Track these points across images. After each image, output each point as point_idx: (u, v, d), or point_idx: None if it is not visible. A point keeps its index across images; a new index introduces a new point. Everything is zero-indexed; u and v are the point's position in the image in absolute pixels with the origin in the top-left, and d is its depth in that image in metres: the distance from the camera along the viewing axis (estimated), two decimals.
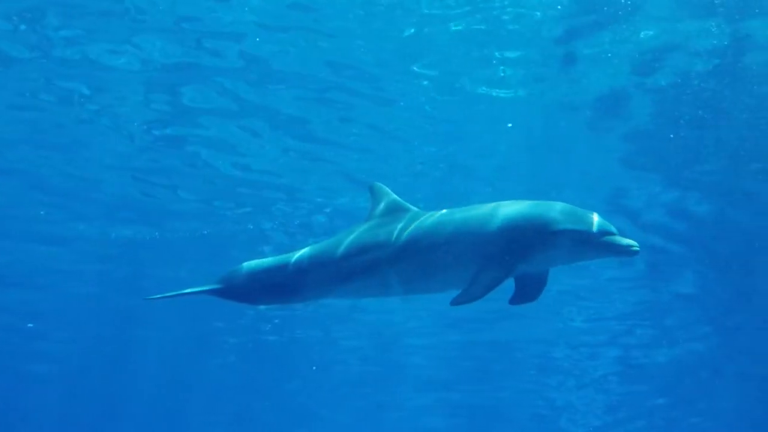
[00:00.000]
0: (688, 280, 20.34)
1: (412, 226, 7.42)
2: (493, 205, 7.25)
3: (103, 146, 15.23)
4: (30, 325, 28.72)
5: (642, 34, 11.70)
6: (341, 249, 7.69)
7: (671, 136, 13.87)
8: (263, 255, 18.30)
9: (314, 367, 32.88)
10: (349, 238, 7.76)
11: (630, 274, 20.25)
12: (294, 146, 15.02)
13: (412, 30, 11.70)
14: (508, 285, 7.23)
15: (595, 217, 6.88)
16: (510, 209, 7.10)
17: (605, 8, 11.19)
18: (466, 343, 27.65)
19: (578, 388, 33.47)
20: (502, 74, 12.68)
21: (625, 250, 6.71)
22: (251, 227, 18.58)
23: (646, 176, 15.40)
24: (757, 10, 10.88)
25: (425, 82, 12.90)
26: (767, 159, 14.39)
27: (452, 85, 12.99)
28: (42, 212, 18.33)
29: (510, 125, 13.71)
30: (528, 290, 7.33)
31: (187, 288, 8.72)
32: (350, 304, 23.70)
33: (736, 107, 13.00)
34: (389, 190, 8.03)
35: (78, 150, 15.45)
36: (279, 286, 8.10)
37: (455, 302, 7.00)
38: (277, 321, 26.55)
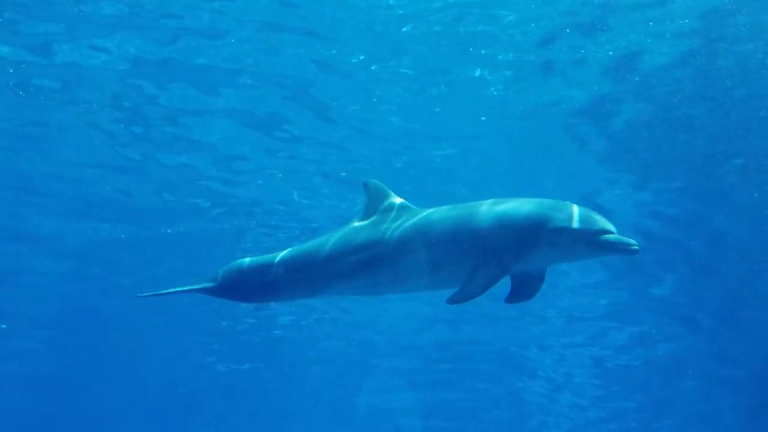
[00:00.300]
0: (663, 280, 20.48)
1: (408, 224, 7.34)
2: (490, 202, 7.12)
3: (81, 144, 15.17)
4: (3, 326, 28.50)
5: (616, 38, 11.84)
6: (336, 246, 7.62)
7: (645, 136, 14.02)
8: (242, 255, 18.36)
9: (287, 367, 32.86)
10: (344, 236, 7.69)
11: (603, 276, 20.37)
12: (274, 146, 15.03)
13: (392, 30, 11.78)
14: (503, 283, 7.12)
15: (594, 216, 6.75)
16: (508, 207, 6.97)
17: (582, 11, 11.33)
18: (442, 343, 27.72)
19: (550, 391, 33.58)
20: (479, 74, 12.77)
21: (625, 249, 6.57)
22: (228, 226, 18.57)
23: (622, 177, 15.52)
24: (729, 7, 11.03)
25: (406, 82, 12.96)
26: (740, 159, 14.57)
27: (432, 85, 13.09)
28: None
29: (484, 119, 13.78)
30: (525, 288, 7.21)
31: (180, 286, 8.68)
32: (328, 304, 23.71)
33: (709, 108, 13.17)
34: (385, 187, 7.92)
35: (55, 148, 15.38)
36: (273, 283, 8.02)
37: (452, 300, 6.90)
38: (253, 321, 26.54)
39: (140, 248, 20.21)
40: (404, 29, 11.74)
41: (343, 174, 15.74)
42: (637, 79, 12.59)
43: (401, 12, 11.43)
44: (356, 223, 7.79)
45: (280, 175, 16.13)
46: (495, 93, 13.16)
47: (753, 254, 18.07)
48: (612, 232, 6.64)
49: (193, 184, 16.58)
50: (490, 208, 7.02)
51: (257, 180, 16.34)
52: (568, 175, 15.38)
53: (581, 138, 14.45)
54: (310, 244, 7.99)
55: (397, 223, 7.41)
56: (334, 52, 12.27)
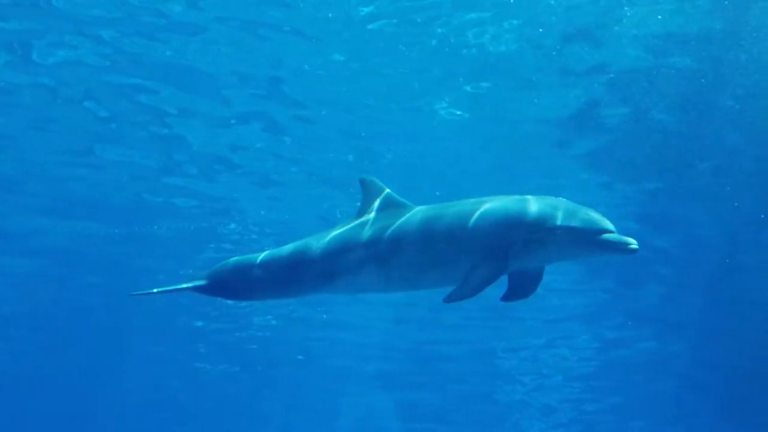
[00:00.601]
0: (638, 282, 20.58)
1: (405, 222, 7.27)
2: (488, 199, 7.05)
3: (58, 141, 15.10)
4: None
5: (593, 41, 11.95)
6: (332, 244, 7.55)
7: (621, 137, 14.13)
8: (221, 255, 18.32)
9: (259, 367, 32.79)
10: (339, 234, 7.61)
11: (578, 277, 20.46)
12: (255, 145, 15.00)
13: (373, 29, 11.80)
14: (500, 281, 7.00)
15: (594, 214, 6.66)
16: (506, 205, 6.91)
17: (559, 15, 11.44)
18: (415, 344, 27.75)
19: (524, 393, 33.66)
20: (457, 74, 12.84)
21: (624, 248, 6.48)
22: (205, 225, 18.51)
23: (597, 178, 15.59)
24: (703, 8, 11.16)
25: (386, 81, 12.96)
26: (715, 159, 14.72)
27: (414, 88, 13.15)
28: None
29: (458, 113, 13.75)
30: (522, 287, 7.13)
31: (172, 285, 8.68)
32: (302, 303, 23.66)
33: (684, 109, 13.31)
34: (381, 184, 7.81)
35: (32, 145, 15.30)
36: (267, 281, 7.94)
37: (449, 299, 6.85)
38: (229, 321, 26.45)
39: (117, 247, 20.13)
40: (385, 29, 11.75)
41: (325, 173, 15.73)
42: (612, 76, 12.66)
43: (381, 11, 11.42)
44: (352, 221, 7.71)
45: (261, 175, 16.13)
46: (471, 91, 13.21)
47: (728, 255, 18.21)
48: (612, 231, 6.57)
49: (171, 183, 16.55)
50: (488, 206, 6.95)
51: (237, 180, 16.32)
52: (543, 175, 15.42)
53: (557, 139, 14.50)
54: (305, 242, 7.90)
55: (393, 221, 7.33)
56: (314, 50, 12.25)
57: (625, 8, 11.20)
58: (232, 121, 14.22)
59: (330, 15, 11.46)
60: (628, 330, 24.72)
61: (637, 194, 16.06)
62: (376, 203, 7.68)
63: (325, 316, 25.13)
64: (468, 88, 13.16)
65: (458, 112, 13.73)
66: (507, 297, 7.18)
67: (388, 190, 7.76)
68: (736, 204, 15.67)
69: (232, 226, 18.46)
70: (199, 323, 26.94)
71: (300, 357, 30.83)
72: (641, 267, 19.32)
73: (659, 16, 11.30)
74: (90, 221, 18.64)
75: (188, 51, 12.29)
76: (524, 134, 14.36)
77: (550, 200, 6.85)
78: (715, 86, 12.59)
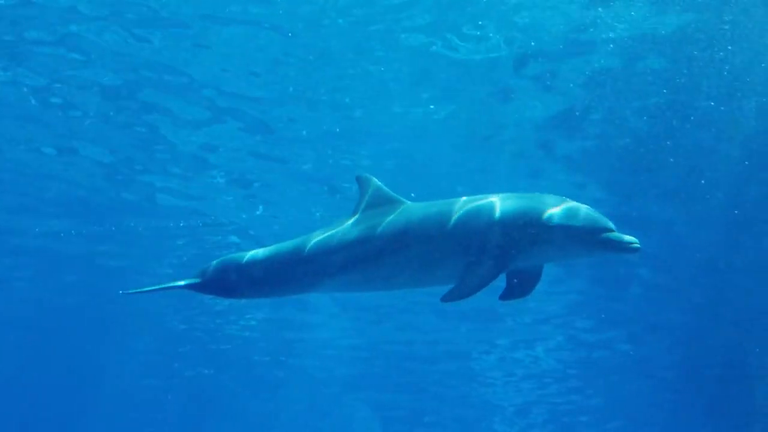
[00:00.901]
0: (619, 283, 20.69)
1: (401, 220, 7.18)
2: (486, 197, 6.94)
3: (37, 138, 15.07)
4: None
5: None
6: (328, 242, 7.48)
7: (594, 136, 14.22)
8: (203, 251, 18.23)
9: (234, 370, 32.77)
10: (336, 231, 7.54)
11: (559, 278, 20.51)
12: (245, 146, 15.02)
13: (357, 29, 11.85)
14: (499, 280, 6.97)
15: (594, 213, 6.57)
16: (505, 203, 6.77)
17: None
18: (396, 344, 27.76)
19: (500, 394, 33.77)
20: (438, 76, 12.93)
21: (626, 248, 6.39)
22: (183, 224, 18.50)
23: (573, 179, 15.68)
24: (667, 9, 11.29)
25: (370, 80, 12.99)
26: (690, 159, 14.84)
27: (393, 88, 13.17)
28: None
29: (432, 107, 13.74)
30: (520, 286, 7.06)
31: (167, 283, 8.70)
32: (272, 303, 23.65)
33: (660, 108, 13.41)
34: (378, 182, 7.74)
35: (9, 142, 15.27)
36: (259, 280, 7.90)
37: (446, 299, 6.77)
38: (204, 318, 26.41)
39: (96, 246, 20.07)
40: (364, 27, 11.79)
41: (305, 173, 15.69)
42: (587, 75, 12.71)
43: (359, 8, 11.44)
44: (346, 219, 7.66)
45: (240, 174, 16.14)
46: (449, 93, 13.26)
47: (706, 256, 18.31)
48: (612, 230, 6.50)
49: (151, 182, 16.53)
50: (490, 204, 6.85)
51: (218, 179, 16.31)
52: (521, 176, 15.49)
53: (533, 141, 14.55)
54: (297, 241, 7.86)
55: (389, 219, 7.26)
56: (293, 47, 12.26)
57: (600, 9, 11.30)
58: (212, 120, 14.21)
59: (307, 11, 11.45)
60: (605, 332, 24.81)
61: (612, 195, 16.12)
62: (372, 201, 7.61)
63: (304, 318, 25.14)
64: (445, 90, 13.22)
65: (434, 109, 13.76)
66: (505, 296, 7.13)
67: (384, 187, 7.70)
68: (709, 199, 15.77)
69: (212, 225, 18.44)
70: (176, 323, 26.89)
71: (282, 358, 30.85)
72: (618, 268, 19.42)
73: (632, 12, 11.38)
74: (69, 219, 18.59)
75: (168, 49, 12.30)
76: (501, 136, 14.42)
77: (549, 198, 6.78)
78: (690, 87, 12.71)
